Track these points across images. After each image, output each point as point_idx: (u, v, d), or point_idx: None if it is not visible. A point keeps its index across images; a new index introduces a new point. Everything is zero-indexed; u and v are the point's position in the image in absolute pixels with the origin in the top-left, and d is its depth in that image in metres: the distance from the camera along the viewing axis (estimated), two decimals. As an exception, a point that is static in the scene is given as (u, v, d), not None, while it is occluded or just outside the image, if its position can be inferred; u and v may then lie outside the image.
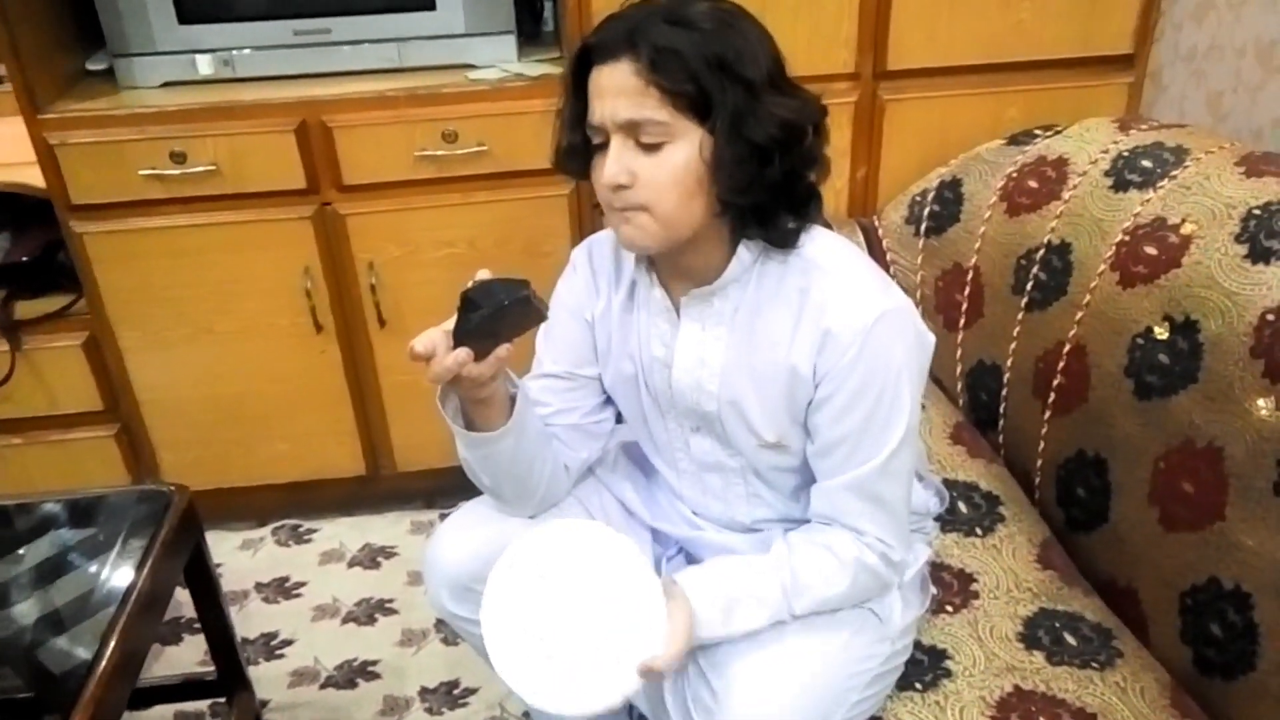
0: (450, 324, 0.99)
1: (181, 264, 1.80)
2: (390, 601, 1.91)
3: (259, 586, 1.97)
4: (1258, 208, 1.25)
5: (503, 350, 0.99)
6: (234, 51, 1.78)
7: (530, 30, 1.98)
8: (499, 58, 1.82)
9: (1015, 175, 1.62)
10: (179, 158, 1.71)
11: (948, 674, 1.19)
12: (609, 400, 1.27)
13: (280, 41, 1.78)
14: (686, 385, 1.12)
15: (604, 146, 0.99)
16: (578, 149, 1.04)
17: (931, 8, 1.72)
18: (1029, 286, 1.53)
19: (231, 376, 1.91)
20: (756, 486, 1.17)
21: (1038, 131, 1.68)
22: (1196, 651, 1.18)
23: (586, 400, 1.24)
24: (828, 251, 1.06)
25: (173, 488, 1.46)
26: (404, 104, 1.73)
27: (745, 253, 1.06)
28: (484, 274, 0.99)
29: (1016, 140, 1.69)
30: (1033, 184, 1.59)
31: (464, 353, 0.96)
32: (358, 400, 1.97)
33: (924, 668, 1.21)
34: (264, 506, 2.13)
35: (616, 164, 0.97)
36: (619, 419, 1.31)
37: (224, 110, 1.72)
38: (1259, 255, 1.20)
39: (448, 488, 2.12)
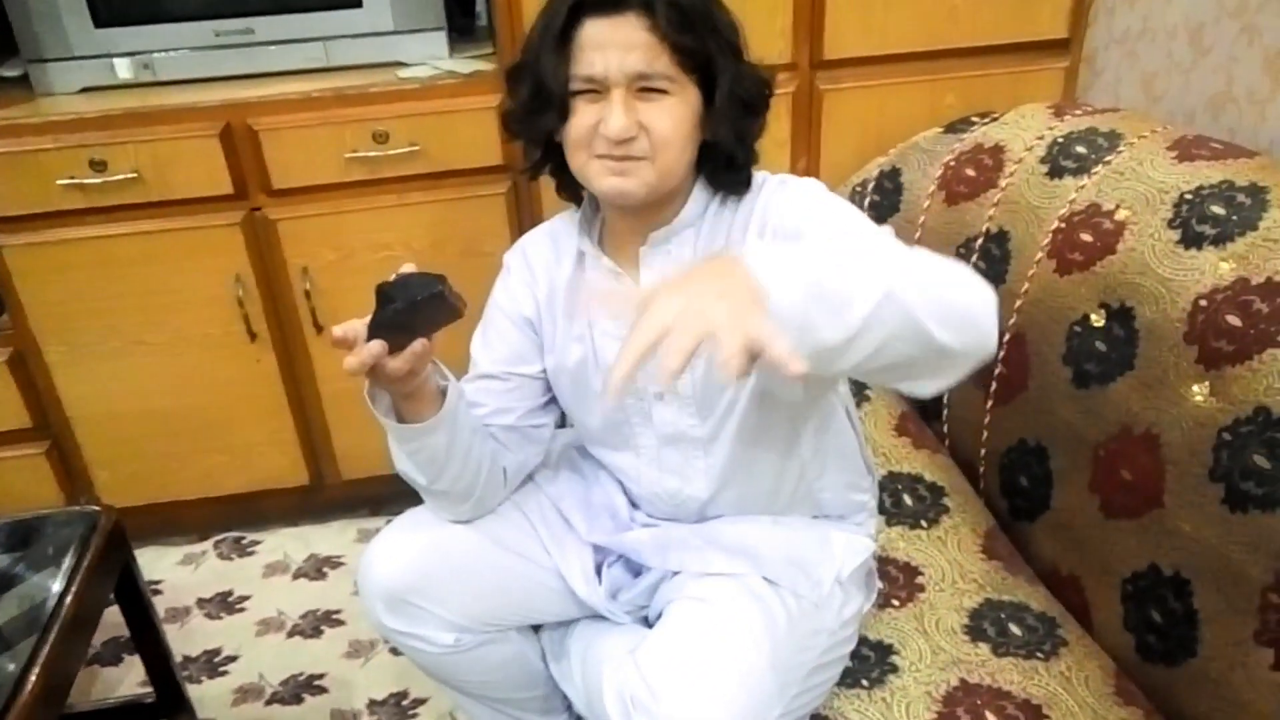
0: (363, 326, 0.96)
1: (107, 275, 1.75)
2: (337, 613, 1.87)
3: (201, 602, 1.92)
4: (1189, 192, 1.25)
5: (418, 345, 0.96)
6: (154, 54, 1.73)
7: (462, 26, 1.94)
8: (429, 55, 1.78)
9: (953, 164, 1.62)
10: (99, 166, 1.65)
11: (894, 669, 1.18)
12: (549, 403, 1.24)
13: (201, 43, 1.72)
14: None
15: (585, 97, 1.01)
16: (548, 104, 1.03)
17: (866, -5, 1.71)
18: (969, 275, 1.52)
19: (165, 389, 1.86)
20: (717, 456, 1.15)
21: (975, 119, 1.68)
22: (1139, 638, 1.18)
23: (524, 401, 1.22)
24: (769, 175, 1.12)
25: (99, 508, 1.42)
26: (332, 104, 1.69)
27: (700, 194, 1.11)
28: (407, 268, 0.97)
29: (954, 128, 1.69)
30: (970, 172, 1.58)
31: (377, 345, 0.94)
32: (297, 409, 1.93)
33: (870, 664, 1.20)
34: (205, 520, 2.07)
35: (626, 115, 1.00)
36: (561, 424, 1.29)
37: (145, 115, 1.66)
38: (1191, 240, 1.20)
39: (394, 495, 2.05)
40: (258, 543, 2.06)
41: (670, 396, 1.14)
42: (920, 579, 1.33)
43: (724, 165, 1.08)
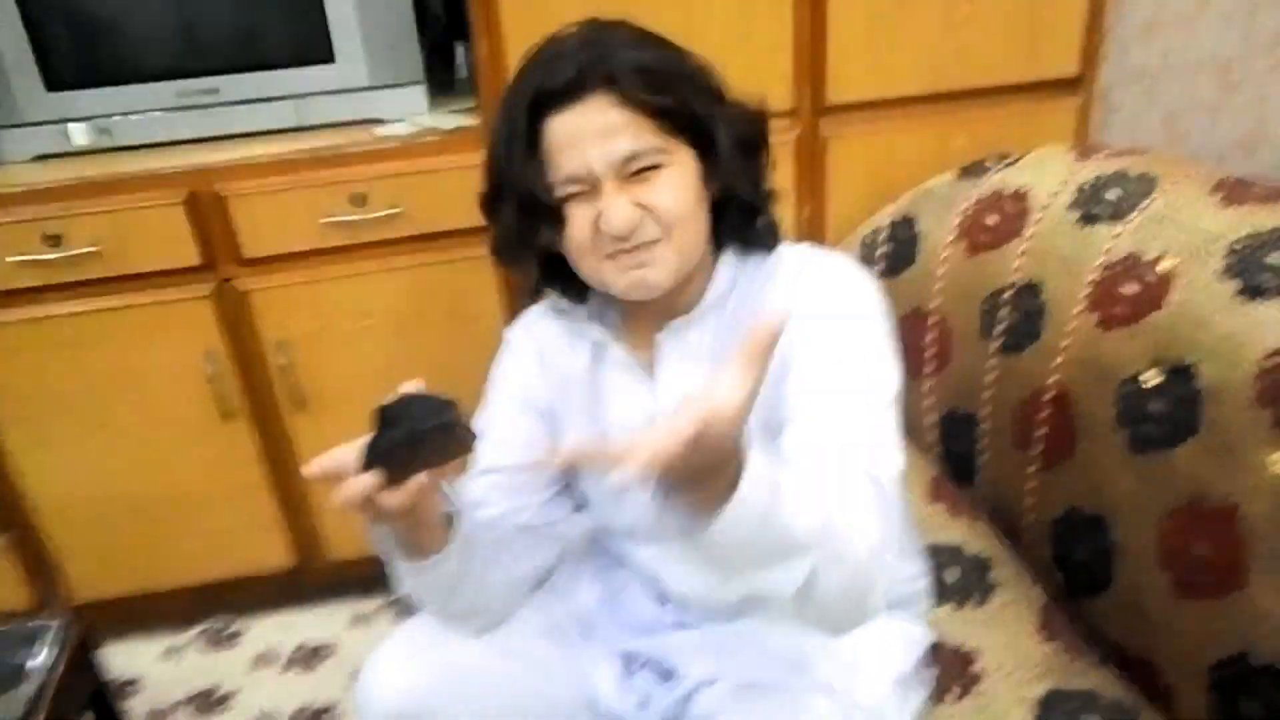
0: (351, 455, 0.82)
1: (67, 356, 1.62)
2: (331, 709, 1.73)
3: (186, 700, 1.77)
4: (1240, 241, 1.16)
5: (413, 484, 0.82)
6: (112, 118, 1.61)
7: (442, 79, 1.84)
8: (408, 110, 1.67)
9: (972, 211, 1.53)
10: (54, 240, 1.52)
11: (961, 778, 1.07)
12: (563, 493, 1.12)
13: (163, 105, 1.61)
14: None
15: (575, 199, 0.92)
16: (539, 218, 0.94)
17: (870, 37, 1.63)
18: (998, 330, 1.43)
19: (135, 473, 1.73)
20: None
21: (990, 163, 1.59)
22: (1228, 731, 1.08)
23: (538, 495, 1.10)
24: (791, 249, 1.04)
25: (62, 619, 1.29)
26: (306, 167, 1.57)
27: (724, 269, 1.01)
28: (409, 386, 0.83)
29: (969, 173, 1.60)
30: (992, 220, 1.49)
31: (371, 479, 0.80)
32: (278, 488, 1.80)
33: (933, 772, 1.08)
34: (185, 609, 1.93)
35: (625, 206, 0.90)
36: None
37: (104, 184, 1.54)
38: (1253, 293, 1.11)
39: (385, 574, 1.95)
40: (242, 632, 1.91)
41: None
42: (976, 666, 1.21)
43: (745, 216, 0.99)
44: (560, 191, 0.92)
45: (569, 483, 1.13)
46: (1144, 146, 1.53)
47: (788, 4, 1.58)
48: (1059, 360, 1.33)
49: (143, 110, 1.60)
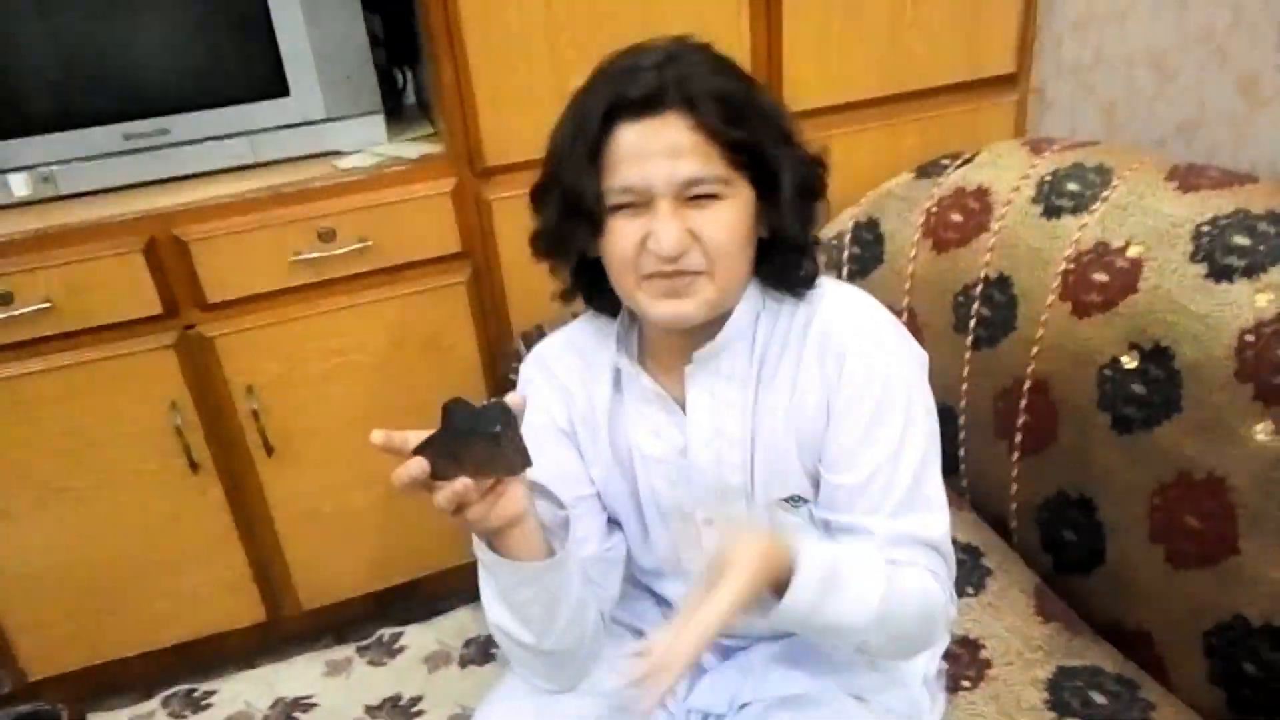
0: (416, 438, 0.82)
1: (20, 418, 1.53)
2: (319, 762, 1.68)
3: (158, 773, 1.70)
4: (1205, 224, 1.22)
5: (459, 484, 0.81)
6: (53, 167, 1.53)
7: (391, 107, 1.81)
8: (367, 141, 1.64)
9: (935, 210, 1.57)
10: (3, 299, 1.45)
11: (991, 764, 1.10)
12: (611, 519, 1.10)
13: (109, 149, 1.54)
14: (707, 463, 1.00)
15: (625, 211, 0.90)
16: (581, 222, 0.91)
17: (822, 45, 1.67)
18: (972, 324, 1.48)
19: (95, 538, 1.64)
20: None
21: (945, 160, 1.64)
22: (1231, 693, 1.13)
23: (595, 523, 1.07)
24: (828, 285, 1.02)
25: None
26: (269, 205, 1.53)
27: (751, 298, 0.99)
28: (510, 398, 0.84)
29: (925, 172, 1.65)
30: (956, 217, 1.54)
31: (416, 464, 0.79)
32: (248, 540, 1.73)
33: (963, 761, 1.11)
34: (149, 675, 1.84)
35: (677, 229, 0.88)
36: None
37: (52, 236, 1.47)
38: (1220, 274, 1.17)
39: (359, 618, 1.91)
40: (213, 693, 1.83)
41: (721, 522, 1.03)
42: (984, 653, 1.25)
43: (790, 264, 0.97)
44: (612, 200, 0.90)
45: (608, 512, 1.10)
46: (1088, 138, 1.60)
47: (744, 14, 1.60)
48: (1036, 350, 1.37)
49: (88, 156, 1.53)
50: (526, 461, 0.83)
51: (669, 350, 1.01)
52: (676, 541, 1.07)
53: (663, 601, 1.15)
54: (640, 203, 0.89)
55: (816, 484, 1.00)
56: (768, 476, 1.00)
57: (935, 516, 0.97)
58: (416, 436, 0.81)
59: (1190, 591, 1.17)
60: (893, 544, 0.94)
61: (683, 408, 1.01)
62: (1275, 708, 1.08)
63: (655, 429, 1.02)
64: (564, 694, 1.02)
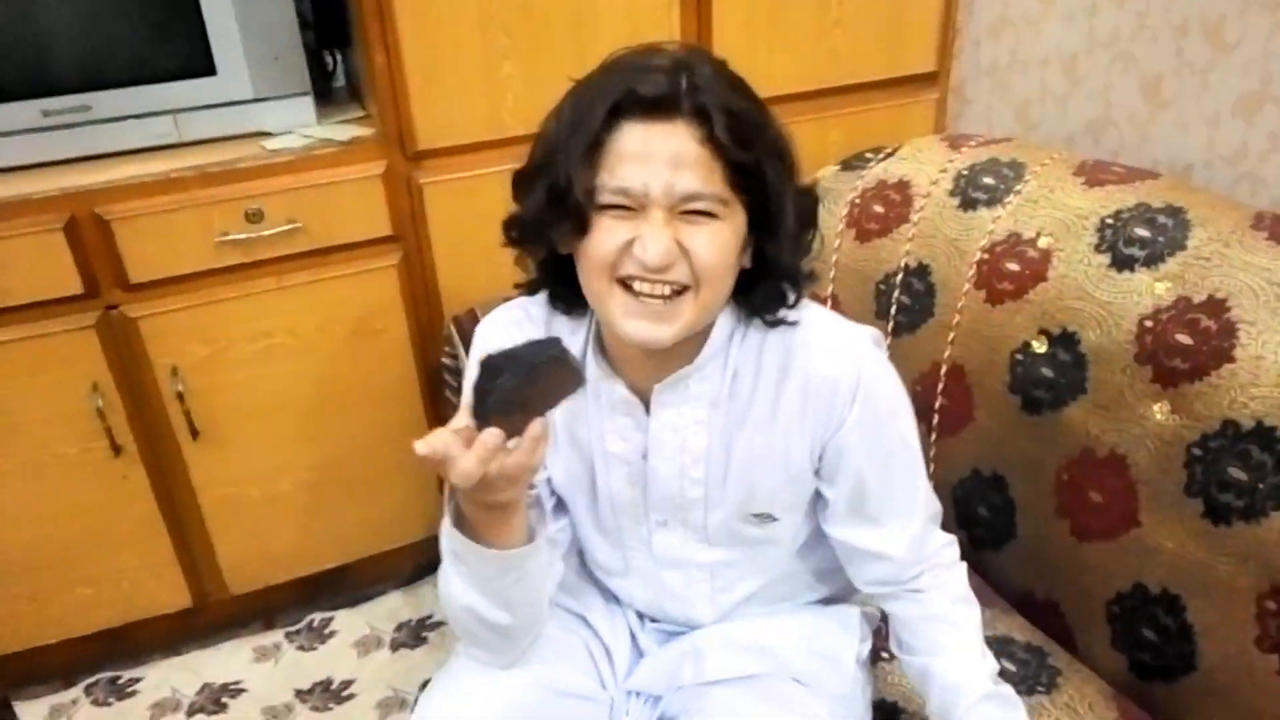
0: (456, 423, 0.78)
1: (-68, 402, 1.49)
2: (246, 748, 1.67)
3: (79, 762, 1.67)
4: (1109, 216, 1.29)
5: (537, 427, 0.78)
6: (-31, 143, 1.49)
7: (321, 89, 1.80)
8: (296, 123, 1.63)
9: (859, 201, 1.62)
10: (-86, 277, 1.41)
11: (907, 729, 1.15)
12: (559, 503, 1.09)
13: (28, 125, 1.50)
14: (668, 474, 1.00)
15: (613, 212, 0.86)
16: (565, 216, 0.86)
17: (751, 40, 1.71)
18: (893, 311, 1.53)
19: (15, 522, 1.61)
20: (725, 580, 1.07)
21: (869, 154, 1.70)
22: (1132, 658, 1.20)
23: (547, 504, 1.06)
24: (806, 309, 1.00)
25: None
26: (194, 184, 1.51)
27: (721, 328, 0.96)
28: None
29: (850, 165, 1.70)
30: (878, 209, 1.59)
31: (495, 435, 0.75)
32: (173, 524, 1.71)
33: (880, 727, 1.16)
34: (73, 662, 1.80)
35: (667, 240, 0.84)
36: None
37: (-33, 214, 1.43)
38: (1122, 263, 1.24)
39: (289, 604, 1.90)
40: (138, 680, 1.80)
41: (675, 524, 1.04)
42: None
43: (774, 294, 0.94)
44: (603, 198, 0.85)
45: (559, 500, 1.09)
46: (1003, 135, 1.67)
47: (674, 7, 1.63)
48: (952, 336, 1.43)
49: (6, 132, 1.49)
50: (583, 369, 0.82)
51: (636, 362, 0.97)
52: (626, 540, 1.07)
53: (611, 597, 1.16)
54: (632, 206, 0.85)
55: (797, 505, 1.02)
56: (735, 493, 1.00)
57: (933, 500, 1.07)
58: (451, 431, 0.77)
59: (1094, 563, 1.23)
60: (922, 554, 1.04)
61: (648, 409, 0.99)
62: (1170, 671, 1.15)
63: (619, 429, 1.00)
64: (514, 670, 1.01)
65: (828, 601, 1.17)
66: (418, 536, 1.86)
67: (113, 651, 1.81)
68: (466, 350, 1.63)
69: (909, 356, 1.51)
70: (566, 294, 0.96)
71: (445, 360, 1.68)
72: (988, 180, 1.47)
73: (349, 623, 1.87)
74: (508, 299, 1.07)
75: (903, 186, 1.57)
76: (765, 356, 0.97)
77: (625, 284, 0.87)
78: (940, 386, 1.45)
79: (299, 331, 1.64)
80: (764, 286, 0.93)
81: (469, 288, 1.66)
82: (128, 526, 1.67)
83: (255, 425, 1.68)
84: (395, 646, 1.82)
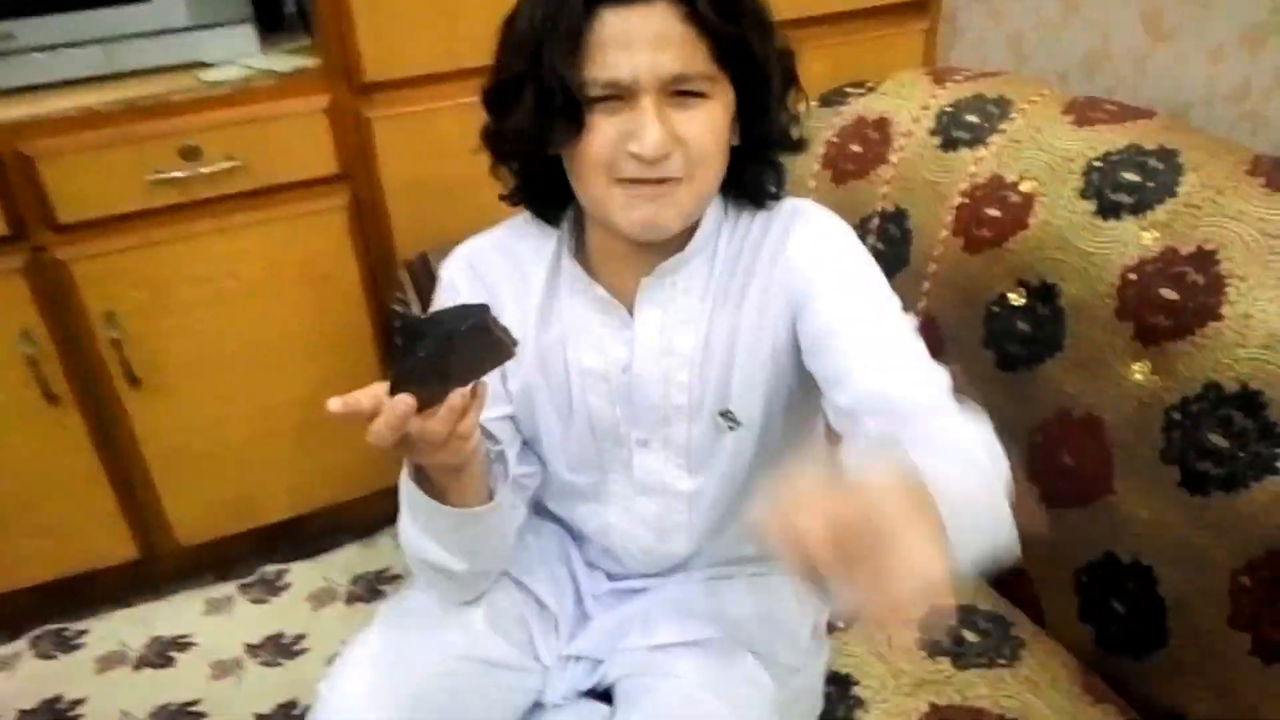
0: (381, 386, 0.75)
1: None
2: (194, 704, 1.62)
3: (24, 715, 1.62)
4: (1097, 159, 1.19)
5: (456, 398, 0.76)
6: (-122, 72, 1.40)
7: (269, 17, 1.69)
8: (237, 53, 1.53)
9: (836, 140, 1.52)
10: None
11: (860, 703, 1.09)
12: (526, 445, 1.04)
13: (-57, 53, 1.41)
14: (652, 380, 0.95)
15: (602, 107, 0.83)
16: (558, 117, 0.83)
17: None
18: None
19: (-55, 475, 1.55)
20: (701, 511, 1.02)
21: (849, 89, 1.59)
22: (1100, 630, 1.14)
23: (511, 448, 1.01)
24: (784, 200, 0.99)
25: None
26: (124, 119, 1.42)
27: (712, 211, 0.94)
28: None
29: (829, 101, 1.59)
30: (856, 148, 1.49)
31: (403, 402, 0.73)
32: (116, 475, 1.65)
33: (832, 701, 1.10)
34: (16, 615, 1.76)
35: (661, 129, 0.81)
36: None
37: (-123, 149, 1.35)
38: (1108, 210, 1.15)
39: (243, 556, 1.85)
40: (84, 632, 1.76)
41: (657, 444, 0.99)
42: (863, 592, 1.24)
43: (762, 173, 0.93)
44: (590, 92, 0.82)
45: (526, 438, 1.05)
46: (993, 68, 1.56)
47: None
48: (927, 285, 1.35)
49: (-82, 61, 1.40)
50: (514, 339, 0.77)
51: (621, 261, 0.94)
52: (605, 464, 1.02)
53: (568, 532, 1.12)
54: (622, 97, 0.82)
55: (772, 401, 0.96)
56: (714, 391, 0.96)
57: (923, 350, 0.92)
58: (378, 387, 0.74)
59: (1065, 531, 1.16)
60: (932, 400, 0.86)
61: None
62: (1139, 645, 1.09)
63: (598, 343, 0.96)
64: (435, 642, 0.97)
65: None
66: (376, 487, 1.79)
67: (59, 603, 1.77)
68: (419, 296, 1.55)
69: (882, 307, 1.42)
70: (547, 199, 0.95)
71: (397, 307, 1.60)
72: (971, 118, 1.37)
73: (304, 575, 1.82)
74: (458, 242, 1.03)
75: (882, 124, 1.47)
76: (755, 249, 0.95)
77: (622, 184, 0.85)
78: (913, 340, 1.37)
79: (243, 276, 1.56)
80: (749, 166, 0.93)
81: (423, 231, 1.57)
82: (67, 477, 1.62)
83: (200, 373, 1.61)
84: (350, 600, 1.78)
